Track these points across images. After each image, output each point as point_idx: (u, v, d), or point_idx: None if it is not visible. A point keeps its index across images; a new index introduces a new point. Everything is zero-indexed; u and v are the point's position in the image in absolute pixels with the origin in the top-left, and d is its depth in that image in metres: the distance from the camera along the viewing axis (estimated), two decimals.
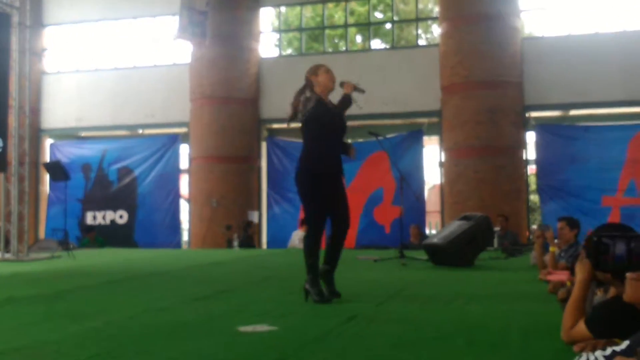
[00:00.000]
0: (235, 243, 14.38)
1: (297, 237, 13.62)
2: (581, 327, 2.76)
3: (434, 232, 18.38)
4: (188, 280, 7.25)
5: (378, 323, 4.26)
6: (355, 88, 5.48)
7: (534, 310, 4.62)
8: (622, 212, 13.60)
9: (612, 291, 2.82)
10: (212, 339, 3.78)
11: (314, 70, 5.52)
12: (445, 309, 4.70)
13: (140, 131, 18.54)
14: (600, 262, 1.40)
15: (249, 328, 4.04)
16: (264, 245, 16.64)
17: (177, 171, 17.32)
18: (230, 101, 16.33)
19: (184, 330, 4.10)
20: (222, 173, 16.25)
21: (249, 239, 14.77)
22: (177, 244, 16.96)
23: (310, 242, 5.26)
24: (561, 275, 5.66)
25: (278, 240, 15.92)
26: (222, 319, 4.52)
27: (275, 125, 17.25)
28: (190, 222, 16.97)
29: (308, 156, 5.28)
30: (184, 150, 17.35)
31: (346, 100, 5.41)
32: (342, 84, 5.50)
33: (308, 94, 5.35)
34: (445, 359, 3.20)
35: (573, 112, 15.56)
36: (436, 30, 19.80)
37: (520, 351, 3.29)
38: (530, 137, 15.05)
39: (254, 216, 16.28)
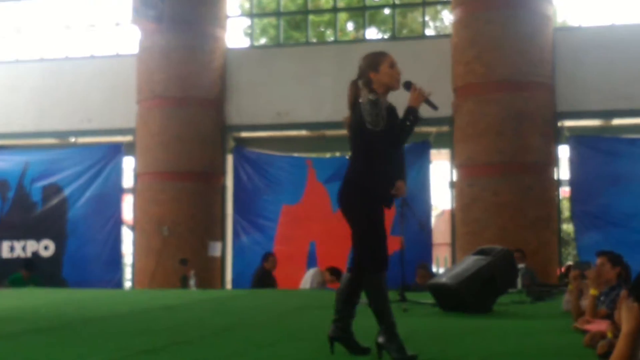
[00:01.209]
0: (192, 282, 14.32)
1: (313, 277, 13.40)
2: None
3: (442, 270, 18.42)
4: (131, 329, 7.20)
5: None
6: (427, 101, 5.12)
7: None
8: None
9: None
10: None
11: (375, 61, 5.21)
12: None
13: (73, 139, 18.46)
14: None
15: None
16: (228, 284, 16.59)
17: (119, 191, 17.23)
18: (188, 102, 16.30)
19: None
20: (176, 193, 16.20)
21: (266, 276, 14.00)
22: (118, 282, 16.85)
23: (384, 283, 5.05)
24: (601, 325, 5.71)
25: (246, 278, 15.83)
26: None
27: (245, 134, 17.25)
28: (135, 255, 16.88)
29: (372, 176, 5.01)
30: (128, 164, 17.29)
31: (413, 119, 5.03)
32: (407, 86, 5.15)
33: (371, 96, 5.02)
34: None
35: (616, 122, 15.70)
36: (447, 17, 19.99)
37: None
38: (564, 151, 15.18)
39: (215, 248, 16.24)
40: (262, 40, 20.80)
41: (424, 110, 5.06)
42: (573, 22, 16.57)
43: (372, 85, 5.07)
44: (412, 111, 5.01)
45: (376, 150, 4.98)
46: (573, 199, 14.98)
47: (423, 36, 17.52)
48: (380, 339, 4.99)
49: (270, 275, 14.07)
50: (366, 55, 5.29)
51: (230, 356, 5.40)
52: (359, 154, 5.10)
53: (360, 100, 5.04)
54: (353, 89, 5.16)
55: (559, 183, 15.12)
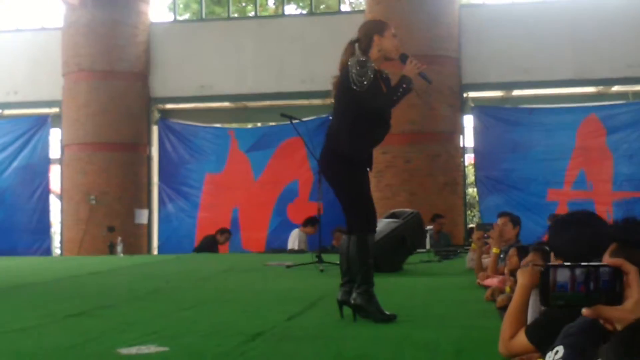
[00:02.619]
0: (119, 248, 14.14)
1: (299, 237, 13.26)
2: (521, 338, 2.86)
3: None
4: (58, 295, 7.07)
5: (289, 341, 4.29)
6: (421, 74, 4.94)
7: (468, 322, 4.75)
8: (569, 207, 14.09)
9: None
10: None
11: (380, 26, 5.03)
12: (367, 323, 4.77)
13: (0, 111, 17.94)
14: (546, 298, 1.49)
15: (132, 350, 4.00)
16: (155, 250, 16.43)
17: (46, 161, 16.84)
18: (113, 76, 15.99)
19: (51, 355, 4.02)
20: (102, 163, 15.92)
21: (214, 246, 13.90)
22: (46, 250, 16.53)
23: (371, 242, 4.91)
24: (500, 280, 5.84)
25: (172, 244, 15.75)
26: (100, 340, 4.45)
27: (169, 106, 17.02)
28: (63, 223, 16.56)
29: (355, 139, 4.85)
30: (55, 135, 16.90)
31: (406, 87, 4.86)
32: (403, 58, 4.98)
33: (362, 57, 4.81)
34: None
35: (516, 93, 16.02)
36: None
37: None
38: (469, 121, 15.42)
39: (142, 216, 16.05)
40: (186, 15, 20.48)
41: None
42: (477, 0, 16.75)
43: (372, 48, 4.91)
44: (405, 80, 4.86)
45: (358, 112, 4.82)
46: (477, 165, 15.26)
47: (339, 12, 17.49)
48: (358, 300, 4.80)
49: (216, 246, 14.00)
50: (370, 20, 5.12)
51: (154, 318, 5.35)
52: (342, 115, 4.94)
53: (349, 61, 4.85)
54: (349, 50, 4.96)
55: (464, 150, 15.37)
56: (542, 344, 2.64)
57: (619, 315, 1.40)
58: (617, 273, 1.45)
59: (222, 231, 14.17)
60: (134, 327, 4.90)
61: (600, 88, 15.65)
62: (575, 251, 2.66)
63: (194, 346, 4.14)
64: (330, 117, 5.32)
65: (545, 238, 3.15)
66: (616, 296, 1.44)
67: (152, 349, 4.03)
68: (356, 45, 4.97)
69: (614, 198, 14.09)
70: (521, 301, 2.91)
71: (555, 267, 1.46)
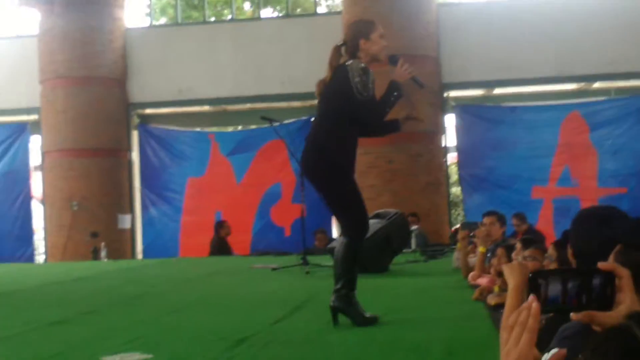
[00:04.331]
0: (103, 253, 14.01)
1: None
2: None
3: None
4: (41, 302, 6.97)
5: (274, 346, 4.23)
6: (413, 78, 4.82)
7: (457, 323, 4.70)
8: (555, 204, 14.10)
9: None
10: None
11: (366, 28, 4.82)
12: (355, 326, 4.68)
13: None
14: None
15: (116, 358, 3.93)
16: (139, 255, 16.31)
17: (27, 168, 16.70)
18: (91, 81, 15.86)
19: None
20: (83, 169, 15.80)
21: (222, 243, 13.96)
22: (30, 257, 16.38)
23: (358, 249, 4.79)
24: (489, 280, 5.80)
25: (156, 248, 15.64)
26: (83, 347, 4.39)
27: (149, 111, 16.90)
28: (46, 230, 16.42)
29: (347, 144, 4.74)
30: (35, 142, 16.75)
31: (397, 95, 4.72)
32: (394, 60, 4.81)
33: (353, 63, 4.64)
34: None
35: (497, 91, 16.01)
36: None
37: None
38: (450, 120, 15.39)
39: (125, 221, 15.92)
40: (162, 20, 20.35)
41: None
42: None
43: (359, 53, 4.74)
44: (395, 87, 4.71)
45: (355, 118, 4.68)
46: (460, 164, 15.22)
47: (315, 14, 17.42)
48: (337, 303, 4.67)
49: (225, 243, 13.96)
50: (356, 22, 4.96)
51: (137, 323, 5.27)
52: (335, 118, 4.74)
53: (349, 64, 4.66)
54: (335, 54, 4.81)
55: (446, 150, 15.35)
56: (545, 346, 2.58)
57: (610, 321, 1.33)
58: (609, 277, 1.39)
59: (220, 225, 14.10)
60: (117, 333, 4.83)
61: (582, 85, 15.67)
62: (589, 249, 2.59)
63: (178, 353, 4.07)
64: (312, 119, 5.22)
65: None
66: (607, 300, 1.38)
67: (135, 356, 3.97)
68: (342, 49, 4.85)
69: (600, 194, 14.09)
70: (516, 305, 2.84)
71: (546, 278, 1.39)
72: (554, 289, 1.38)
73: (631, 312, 1.27)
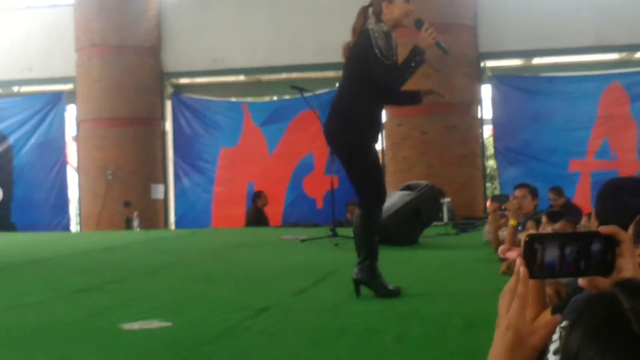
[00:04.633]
0: (136, 223, 14.14)
1: None
2: (546, 317, 2.71)
3: None
4: (70, 270, 7.06)
5: (294, 316, 4.22)
6: (437, 43, 4.63)
7: (481, 296, 4.64)
8: (592, 178, 13.86)
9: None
10: (88, 340, 3.69)
11: None
12: (376, 298, 4.64)
13: (16, 89, 17.95)
14: (532, 270, 1.35)
15: (135, 325, 3.95)
16: (172, 225, 16.44)
17: (63, 138, 16.87)
18: (125, 50, 15.91)
19: (55, 330, 4.00)
20: (118, 139, 15.89)
21: (260, 214, 14.11)
22: (65, 225, 16.59)
23: (375, 219, 4.74)
24: (517, 253, 5.72)
25: (188, 219, 15.74)
26: (105, 315, 4.43)
27: (183, 80, 16.93)
28: (81, 199, 16.60)
29: (370, 110, 4.68)
30: (71, 111, 16.90)
31: (418, 60, 4.59)
32: (419, 24, 4.63)
33: (385, 27, 4.53)
34: (370, 355, 3.16)
35: (535, 61, 15.76)
36: None
37: (457, 348, 3.27)
38: (486, 91, 15.20)
39: (158, 191, 16.03)
40: None
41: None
42: None
43: (382, 16, 4.60)
44: (418, 52, 4.58)
45: (378, 84, 4.58)
46: (496, 136, 15.04)
47: None
48: (360, 275, 4.63)
49: (263, 213, 14.04)
50: None
51: (161, 292, 5.30)
52: (358, 84, 4.66)
53: (371, 28, 4.56)
54: (362, 16, 4.69)
55: (482, 121, 15.17)
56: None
57: (607, 288, 1.28)
58: (610, 242, 1.34)
59: (257, 196, 14.18)
60: (139, 302, 4.86)
61: (623, 55, 15.34)
62: (618, 222, 2.51)
63: (198, 321, 4.09)
64: (338, 85, 5.14)
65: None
66: (607, 266, 1.32)
67: (155, 324, 3.99)
68: (369, 10, 4.74)
69: (638, 168, 13.82)
70: (536, 290, 2.76)
71: (542, 241, 1.33)
72: (551, 254, 1.32)
73: (622, 279, 1.22)
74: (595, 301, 1.06)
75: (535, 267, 1.32)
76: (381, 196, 4.80)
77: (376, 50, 4.51)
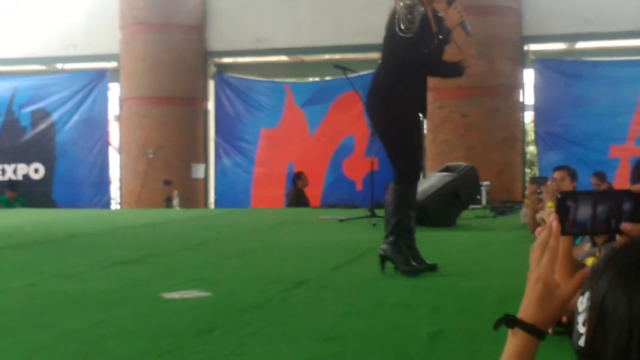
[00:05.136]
0: (176, 202, 14.32)
1: None
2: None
3: None
4: (111, 244, 7.21)
5: (332, 289, 4.29)
6: (462, 23, 4.67)
7: (516, 273, 4.66)
8: (632, 164, 13.71)
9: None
10: (129, 308, 3.78)
11: None
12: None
13: (60, 66, 18.19)
14: (564, 226, 1.38)
15: (175, 295, 4.04)
16: (211, 205, 16.59)
17: (106, 115, 17.06)
18: (170, 28, 16.01)
19: (97, 298, 4.10)
20: (160, 117, 16.03)
21: (300, 195, 14.20)
22: (106, 203, 16.81)
23: (407, 195, 4.74)
24: None
25: (228, 198, 15.86)
26: (145, 285, 4.52)
27: (226, 60, 17.02)
28: (122, 177, 16.81)
29: (400, 84, 4.68)
30: (114, 90, 17.07)
31: (442, 38, 4.65)
32: (449, 1, 4.68)
33: (409, 1, 4.55)
34: (403, 327, 3.22)
35: (580, 45, 15.59)
36: None
37: (490, 318, 3.30)
38: (529, 75, 15.07)
39: (198, 170, 16.19)
40: None
41: None
42: None
43: None
44: (445, 30, 4.62)
45: (402, 58, 4.62)
46: (537, 120, 14.92)
47: None
48: (386, 250, 4.64)
49: (303, 194, 14.15)
50: None
51: (200, 266, 5.40)
52: (389, 60, 4.75)
53: (398, 6, 4.60)
54: None
55: (524, 105, 15.06)
56: None
57: None
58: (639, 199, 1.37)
59: (297, 177, 14.27)
60: (179, 274, 4.96)
61: None
62: None
63: (236, 292, 4.17)
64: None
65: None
66: (637, 221, 1.35)
67: (194, 294, 4.08)
68: None
69: None
70: (566, 247, 2.79)
71: (576, 200, 1.37)
72: (584, 212, 1.36)
73: None
74: (623, 248, 1.10)
75: (567, 224, 1.36)
76: (415, 172, 4.81)
77: (398, 24, 4.54)
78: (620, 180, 13.34)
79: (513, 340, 1.31)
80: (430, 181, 8.89)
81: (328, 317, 3.45)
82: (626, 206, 1.37)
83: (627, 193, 1.37)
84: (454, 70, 4.88)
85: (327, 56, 16.32)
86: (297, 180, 14.21)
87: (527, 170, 15.87)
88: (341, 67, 9.62)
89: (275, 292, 4.08)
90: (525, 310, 1.31)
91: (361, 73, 11.95)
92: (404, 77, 4.71)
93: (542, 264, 1.30)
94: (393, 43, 4.66)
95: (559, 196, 1.36)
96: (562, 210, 1.36)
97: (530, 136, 17.37)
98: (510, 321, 1.32)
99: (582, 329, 1.35)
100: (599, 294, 1.06)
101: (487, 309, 3.53)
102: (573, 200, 1.37)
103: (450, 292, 4.00)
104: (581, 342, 1.51)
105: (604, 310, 1.04)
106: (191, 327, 3.27)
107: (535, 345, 1.30)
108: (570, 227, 1.36)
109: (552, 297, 1.29)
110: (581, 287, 1.33)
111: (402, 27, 4.55)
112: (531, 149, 18.42)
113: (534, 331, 1.29)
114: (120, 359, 2.79)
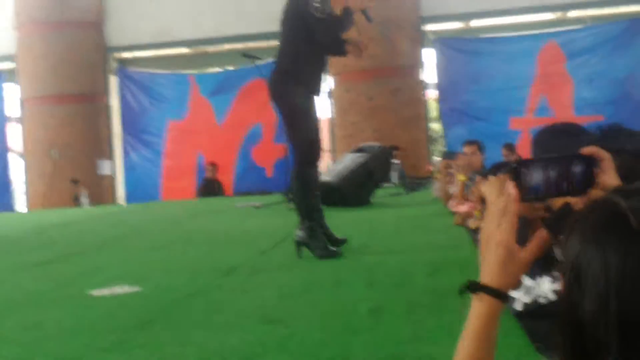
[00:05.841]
0: (84, 200, 13.99)
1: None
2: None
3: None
4: (25, 245, 6.97)
5: (263, 273, 4.27)
6: (365, 11, 4.68)
7: (442, 245, 4.76)
8: (532, 135, 14.10)
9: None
10: (61, 308, 3.67)
11: None
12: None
13: None
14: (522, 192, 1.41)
15: (105, 291, 3.94)
16: (119, 200, 16.27)
17: (3, 119, 16.50)
18: (68, 26, 15.57)
19: (26, 300, 3.96)
20: (64, 116, 15.61)
21: (209, 184, 14.20)
22: (8, 206, 16.28)
23: (314, 175, 4.70)
24: (468, 206, 5.86)
25: (138, 193, 15.57)
26: (73, 284, 4.39)
27: (126, 54, 16.69)
28: (27, 180, 16.30)
29: (304, 63, 4.63)
30: (12, 91, 16.51)
31: (347, 18, 4.61)
32: None
33: None
34: (343, 304, 3.23)
35: (475, 23, 15.90)
36: None
37: (425, 289, 3.38)
38: (428, 54, 15.30)
39: (104, 167, 15.85)
40: None
41: None
42: None
43: None
44: (348, 12, 4.61)
45: (313, 37, 4.57)
46: (440, 97, 15.20)
47: None
48: (301, 236, 4.60)
49: (213, 182, 14.06)
50: None
51: (124, 261, 5.29)
52: (294, 38, 4.66)
53: None
54: None
55: (425, 84, 15.30)
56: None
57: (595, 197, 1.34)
58: (590, 161, 1.41)
59: (204, 167, 14.25)
60: (104, 270, 4.85)
61: (558, 14, 15.59)
62: None
63: (167, 284, 4.10)
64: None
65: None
66: (589, 185, 1.39)
67: (125, 289, 3.99)
68: None
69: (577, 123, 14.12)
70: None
71: (528, 167, 1.40)
72: (536, 177, 1.39)
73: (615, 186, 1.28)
74: (590, 206, 1.11)
75: (523, 191, 1.39)
76: (313, 155, 4.72)
77: (310, 4, 4.52)
78: (523, 150, 13.73)
79: (479, 305, 1.32)
80: (343, 162, 8.96)
81: (266, 300, 3.43)
82: (576, 168, 1.41)
83: (576, 156, 1.41)
84: (344, 22, 4.74)
85: (231, 45, 16.16)
86: (207, 172, 14.23)
87: (431, 147, 16.13)
88: (250, 55, 9.55)
89: (208, 281, 4.04)
90: (489, 275, 1.33)
91: (270, 60, 11.88)
92: (302, 55, 4.65)
93: (502, 229, 1.32)
94: (304, 23, 4.60)
95: (514, 165, 1.39)
96: (517, 177, 1.39)
97: (433, 113, 17.68)
98: (476, 287, 1.33)
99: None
100: (571, 254, 1.07)
101: (421, 280, 3.59)
102: (526, 167, 1.40)
103: (382, 267, 4.04)
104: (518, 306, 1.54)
105: (577, 267, 1.05)
106: (130, 321, 3.20)
107: (500, 308, 1.32)
108: (526, 194, 1.39)
109: (513, 260, 1.31)
110: (540, 250, 1.36)
111: (319, 7, 4.52)
112: (434, 126, 18.75)
113: (499, 295, 1.31)
114: (64, 358, 2.71)
